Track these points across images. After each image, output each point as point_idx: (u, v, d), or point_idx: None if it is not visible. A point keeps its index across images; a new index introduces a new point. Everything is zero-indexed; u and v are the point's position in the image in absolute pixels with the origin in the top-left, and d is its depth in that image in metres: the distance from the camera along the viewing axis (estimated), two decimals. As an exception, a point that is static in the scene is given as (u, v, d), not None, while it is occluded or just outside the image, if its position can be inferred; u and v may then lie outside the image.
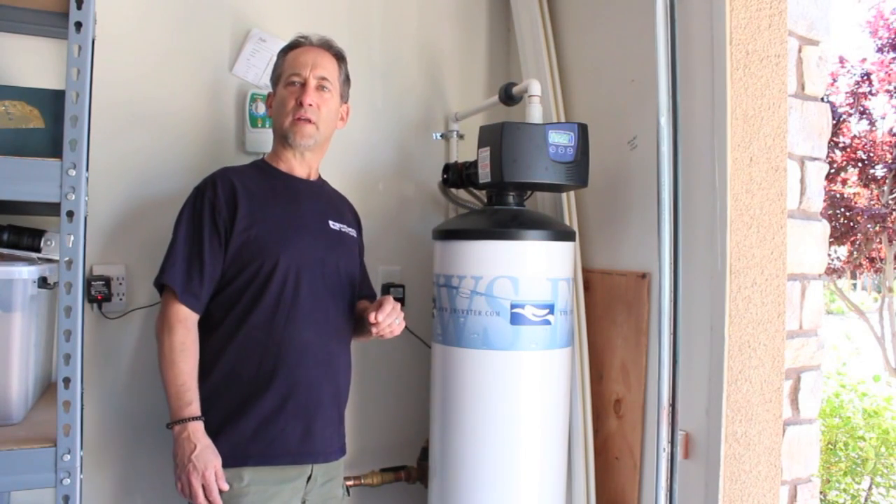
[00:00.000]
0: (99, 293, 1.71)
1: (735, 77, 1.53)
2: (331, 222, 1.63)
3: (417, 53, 2.17)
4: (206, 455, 1.38)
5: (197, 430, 1.39)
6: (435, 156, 2.17)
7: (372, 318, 1.47)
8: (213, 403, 1.45)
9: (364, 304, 1.73)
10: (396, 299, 2.02)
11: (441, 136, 2.18)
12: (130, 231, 1.78)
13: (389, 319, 1.49)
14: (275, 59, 1.68)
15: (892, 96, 5.18)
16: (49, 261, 1.46)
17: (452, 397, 1.70)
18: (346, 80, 1.67)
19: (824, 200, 1.82)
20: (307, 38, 1.63)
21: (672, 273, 1.54)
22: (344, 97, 1.67)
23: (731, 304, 1.52)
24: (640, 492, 1.71)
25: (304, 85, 1.56)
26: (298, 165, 1.62)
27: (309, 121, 1.55)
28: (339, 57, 1.65)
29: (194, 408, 1.40)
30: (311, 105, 1.55)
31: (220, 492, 1.39)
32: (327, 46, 1.63)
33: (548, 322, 1.65)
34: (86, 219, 1.29)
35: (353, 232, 1.69)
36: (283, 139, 1.59)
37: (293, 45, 1.63)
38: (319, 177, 1.70)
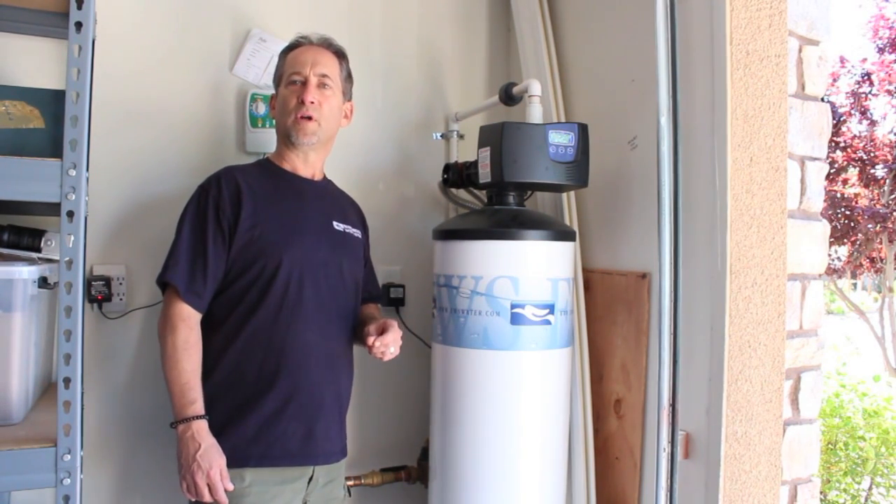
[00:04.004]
0: (99, 293, 1.71)
1: (735, 77, 1.53)
2: (335, 223, 1.63)
3: (417, 53, 2.17)
4: (210, 454, 1.37)
5: (201, 428, 1.38)
6: (435, 156, 2.17)
7: (369, 341, 1.49)
8: (216, 403, 1.44)
9: (370, 311, 1.72)
10: (396, 299, 2.07)
11: (441, 136, 2.18)
12: (131, 231, 1.78)
13: (386, 342, 1.50)
14: (275, 59, 1.69)
15: (892, 96, 5.18)
16: (49, 261, 1.46)
17: (452, 397, 1.70)
18: (349, 78, 1.67)
19: (824, 200, 1.82)
20: (307, 38, 1.63)
21: (672, 273, 1.54)
22: (347, 95, 1.66)
23: (731, 304, 1.52)
24: (641, 492, 1.71)
25: (304, 83, 1.56)
26: (302, 165, 1.62)
27: (311, 118, 1.55)
28: (340, 54, 1.65)
29: (198, 406, 1.39)
30: (312, 102, 1.55)
31: (225, 491, 1.38)
32: (327, 45, 1.63)
33: (548, 322, 1.65)
34: (86, 219, 1.29)
35: (357, 233, 1.69)
36: (286, 138, 1.59)
37: (293, 46, 1.62)
38: (325, 177, 1.69)
